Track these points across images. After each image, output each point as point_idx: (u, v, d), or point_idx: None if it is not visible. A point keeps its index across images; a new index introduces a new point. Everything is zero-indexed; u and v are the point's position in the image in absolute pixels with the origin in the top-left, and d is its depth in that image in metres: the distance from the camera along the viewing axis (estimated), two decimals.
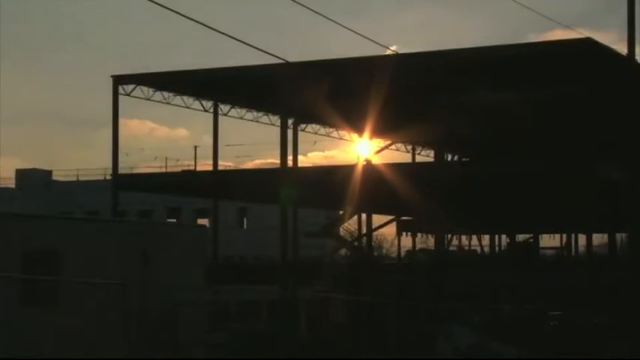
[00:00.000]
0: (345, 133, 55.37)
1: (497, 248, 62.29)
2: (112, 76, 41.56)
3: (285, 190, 37.67)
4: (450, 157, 53.68)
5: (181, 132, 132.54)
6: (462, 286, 34.55)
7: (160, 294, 23.60)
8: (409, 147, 59.01)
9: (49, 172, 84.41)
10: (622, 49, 29.02)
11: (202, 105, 46.37)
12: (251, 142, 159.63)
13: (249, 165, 78.29)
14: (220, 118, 47.31)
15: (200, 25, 14.03)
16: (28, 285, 21.32)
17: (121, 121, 43.92)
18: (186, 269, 25.59)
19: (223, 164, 56.90)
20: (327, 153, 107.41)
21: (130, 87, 41.97)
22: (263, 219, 69.51)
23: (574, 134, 34.76)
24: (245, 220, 78.77)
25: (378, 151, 52.77)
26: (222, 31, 14.33)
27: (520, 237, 60.26)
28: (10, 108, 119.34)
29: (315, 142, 70.78)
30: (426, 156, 60.41)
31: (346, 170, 40.08)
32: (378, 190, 37.52)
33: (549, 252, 63.58)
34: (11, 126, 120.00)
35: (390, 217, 56.40)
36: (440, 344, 26.04)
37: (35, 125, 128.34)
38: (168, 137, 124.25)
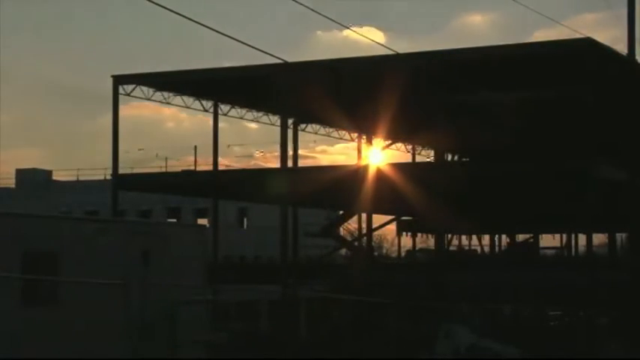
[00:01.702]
0: (345, 133, 55.45)
1: (497, 248, 62.27)
2: (112, 76, 41.55)
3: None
4: (450, 157, 53.67)
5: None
6: (462, 286, 34.54)
7: (160, 294, 23.60)
8: (409, 147, 59.07)
9: (49, 172, 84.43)
10: None
11: (202, 105, 46.39)
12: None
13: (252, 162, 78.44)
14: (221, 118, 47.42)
15: (198, 24, 14.02)
16: (27, 285, 21.31)
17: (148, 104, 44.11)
18: (187, 269, 25.56)
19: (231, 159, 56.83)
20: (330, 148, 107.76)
21: (130, 87, 41.98)
22: (263, 219, 69.51)
23: (574, 134, 34.75)
24: (245, 220, 78.78)
25: (384, 148, 52.88)
26: (223, 30, 14.33)
27: (520, 237, 60.26)
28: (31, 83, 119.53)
29: (315, 141, 70.96)
30: (426, 156, 60.47)
31: (346, 170, 40.11)
32: (378, 190, 37.54)
33: (549, 252, 63.59)
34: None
35: (390, 217, 56.41)
36: (440, 344, 26.02)
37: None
38: (192, 121, 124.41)
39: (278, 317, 32.03)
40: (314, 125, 52.15)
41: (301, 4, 15.14)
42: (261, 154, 69.29)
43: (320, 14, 16.82)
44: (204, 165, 61.95)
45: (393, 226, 60.00)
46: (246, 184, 42.77)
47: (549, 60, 33.59)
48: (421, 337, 27.39)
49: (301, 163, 52.89)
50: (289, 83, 36.51)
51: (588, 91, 32.29)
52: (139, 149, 79.82)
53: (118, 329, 22.46)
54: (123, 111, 42.34)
